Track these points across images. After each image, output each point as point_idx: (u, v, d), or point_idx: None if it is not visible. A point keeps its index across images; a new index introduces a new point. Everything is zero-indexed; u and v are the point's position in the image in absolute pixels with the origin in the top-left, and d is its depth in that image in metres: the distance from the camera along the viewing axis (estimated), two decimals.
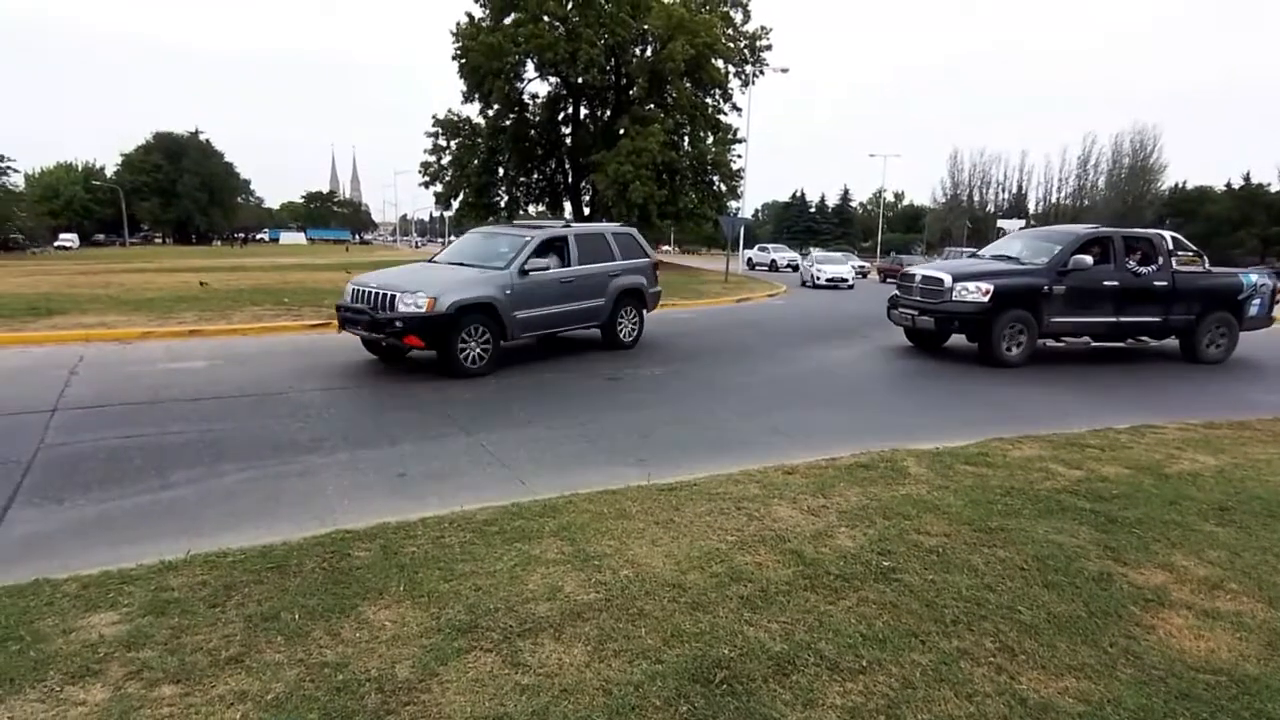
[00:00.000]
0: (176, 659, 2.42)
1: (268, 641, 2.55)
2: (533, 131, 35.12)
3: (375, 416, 6.19)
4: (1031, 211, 64.20)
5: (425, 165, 34.50)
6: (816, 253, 36.35)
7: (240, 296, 14.49)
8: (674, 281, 23.01)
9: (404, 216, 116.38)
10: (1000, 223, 46.91)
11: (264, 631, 2.61)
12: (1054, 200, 66.42)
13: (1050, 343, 10.00)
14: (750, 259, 40.55)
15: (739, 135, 34.44)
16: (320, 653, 2.49)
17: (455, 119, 34.14)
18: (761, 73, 33.83)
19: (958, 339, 10.26)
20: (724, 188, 34.29)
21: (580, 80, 31.42)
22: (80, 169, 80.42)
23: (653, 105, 31.88)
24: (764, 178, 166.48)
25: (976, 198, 70.10)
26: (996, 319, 9.08)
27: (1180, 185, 61.89)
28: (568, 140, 35.83)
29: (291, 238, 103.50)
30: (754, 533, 3.64)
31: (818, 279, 26.35)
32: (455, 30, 32.51)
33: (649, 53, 31.72)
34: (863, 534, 3.65)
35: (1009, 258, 10.10)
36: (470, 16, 32.55)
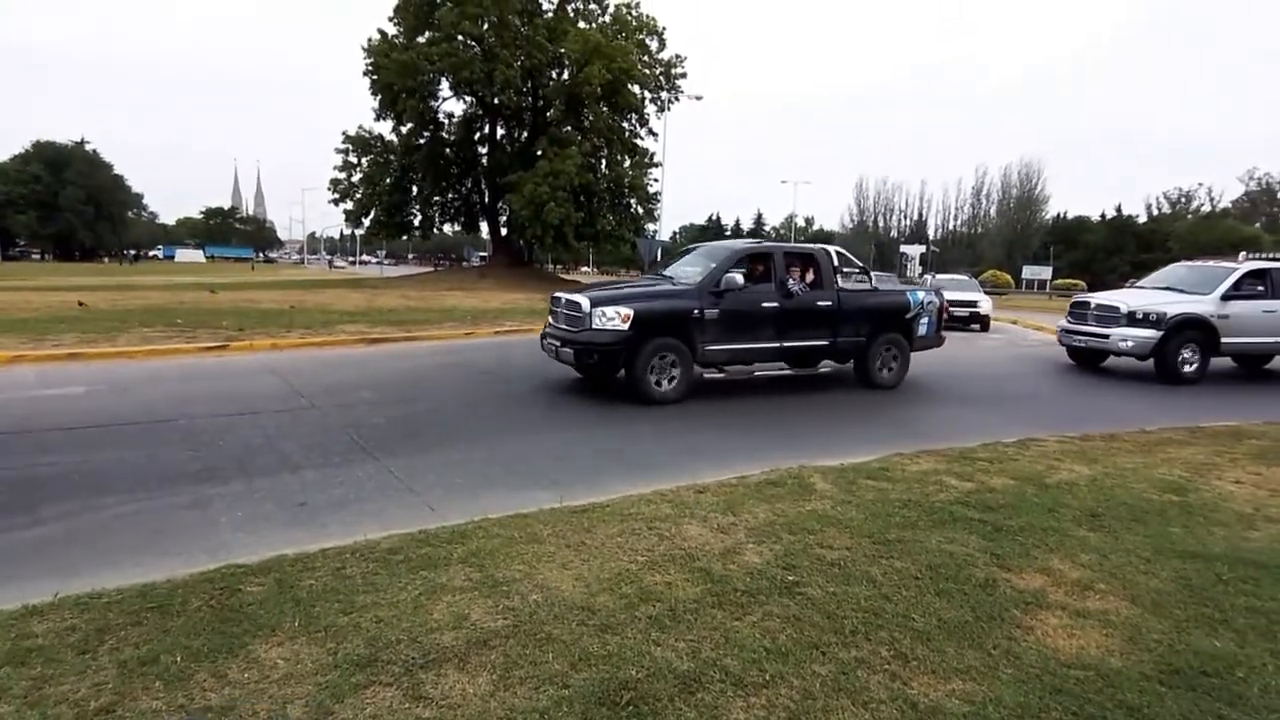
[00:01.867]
0: (37, 713, 2.23)
1: (144, 688, 2.38)
2: (448, 150, 34.71)
3: (274, 443, 5.91)
4: (931, 238, 67.92)
5: (335, 182, 33.54)
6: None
7: (128, 317, 13.59)
8: None
9: (312, 234, 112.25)
10: (903, 248, 49.45)
11: (140, 677, 2.44)
12: (951, 227, 70.52)
13: (710, 373, 9.03)
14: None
15: (655, 159, 35.09)
16: (204, 696, 2.34)
17: (367, 136, 33.39)
18: (677, 99, 34.64)
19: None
20: (641, 210, 34.78)
21: (497, 100, 31.31)
22: None
23: (570, 128, 32.08)
24: (680, 201, 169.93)
25: (881, 224, 73.61)
26: (640, 349, 7.74)
27: (1062, 215, 67.00)
28: (484, 160, 35.55)
29: (189, 255, 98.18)
30: (664, 552, 3.67)
31: None
32: (367, 46, 31.87)
33: (566, 76, 31.94)
34: (769, 550, 3.74)
35: (665, 277, 9.25)
36: (383, 33, 31.98)
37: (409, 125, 32.66)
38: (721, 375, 9.01)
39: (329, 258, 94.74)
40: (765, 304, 8.50)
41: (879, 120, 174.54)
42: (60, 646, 2.61)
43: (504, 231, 36.51)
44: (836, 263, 9.33)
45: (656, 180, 35.11)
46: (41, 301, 16.85)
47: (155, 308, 15.80)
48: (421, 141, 33.38)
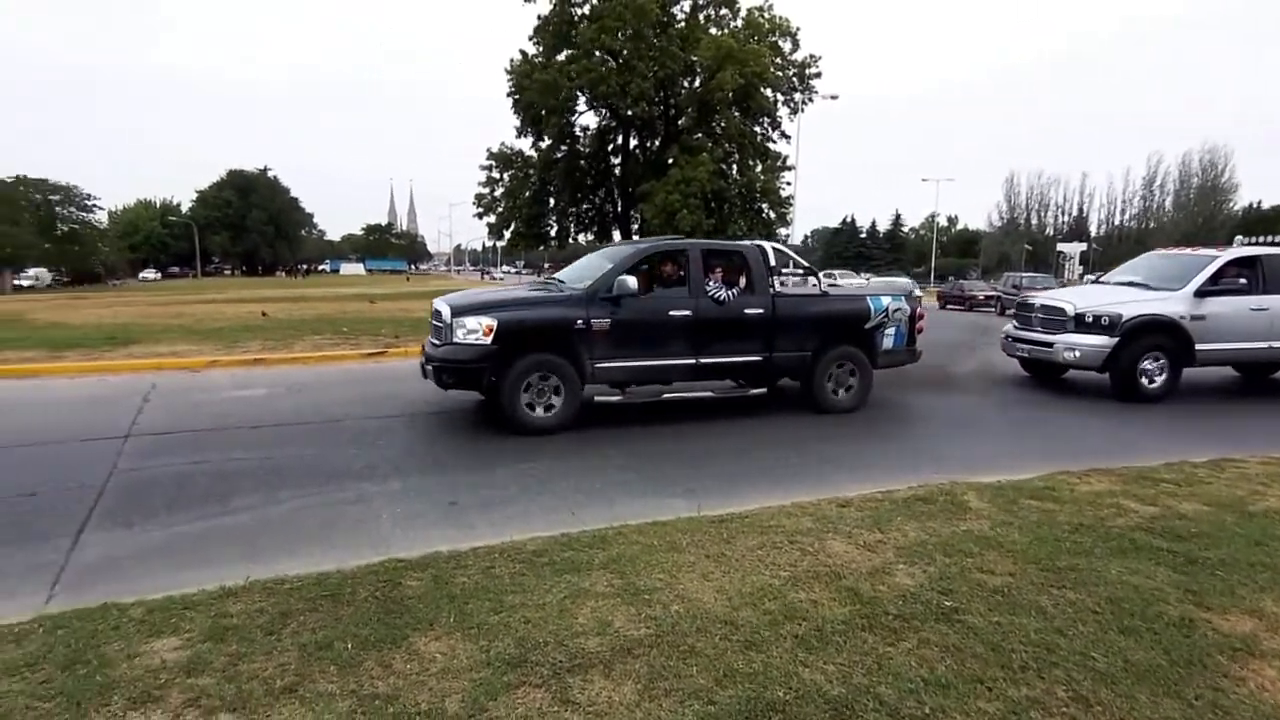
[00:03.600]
0: (234, 687, 2.46)
1: (321, 671, 2.57)
2: (583, 162, 35.79)
3: (426, 444, 6.29)
4: (1094, 234, 62.23)
5: (479, 197, 35.43)
6: (874, 280, 34.87)
7: (302, 326, 15.03)
8: None
9: (458, 247, 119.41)
10: (1061, 246, 45.58)
11: (318, 661, 2.64)
12: (1117, 222, 64.32)
13: (601, 396, 7.23)
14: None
15: (788, 163, 34.48)
16: (372, 684, 2.50)
17: (509, 152, 35.06)
18: (810, 100, 33.90)
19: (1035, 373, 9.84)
20: (773, 215, 34.25)
21: (630, 112, 31.94)
22: (158, 206, 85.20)
23: (701, 135, 32.17)
24: (813, 204, 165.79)
25: (1035, 221, 68.38)
26: (508, 368, 6.49)
27: (1255, 205, 59.30)
28: (617, 171, 36.37)
29: (351, 268, 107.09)
30: (808, 568, 3.54)
31: None
32: (509, 68, 33.49)
33: (698, 83, 32.09)
34: (922, 572, 3.51)
35: (558, 281, 8.00)
36: (524, 54, 33.50)
37: (548, 140, 33.99)
38: (619, 399, 7.25)
39: (486, 268, 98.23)
40: (675, 312, 7.03)
41: (1030, 108, 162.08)
42: (251, 627, 2.88)
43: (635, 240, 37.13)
44: (774, 262, 7.63)
45: (789, 183, 34.53)
46: (232, 312, 19.01)
47: (324, 317, 17.38)
48: (559, 156, 34.63)
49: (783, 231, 34.85)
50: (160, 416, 7.05)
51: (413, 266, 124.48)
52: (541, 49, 33.13)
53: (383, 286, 46.52)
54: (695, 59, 30.69)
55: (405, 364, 10.99)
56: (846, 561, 3.63)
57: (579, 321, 6.68)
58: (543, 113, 31.74)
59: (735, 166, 33.44)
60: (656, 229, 30.33)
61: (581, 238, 41.77)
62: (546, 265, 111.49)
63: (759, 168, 33.55)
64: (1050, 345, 9.02)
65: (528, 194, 35.01)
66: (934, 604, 3.16)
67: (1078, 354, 8.75)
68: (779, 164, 34.31)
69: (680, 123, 33.14)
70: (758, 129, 33.69)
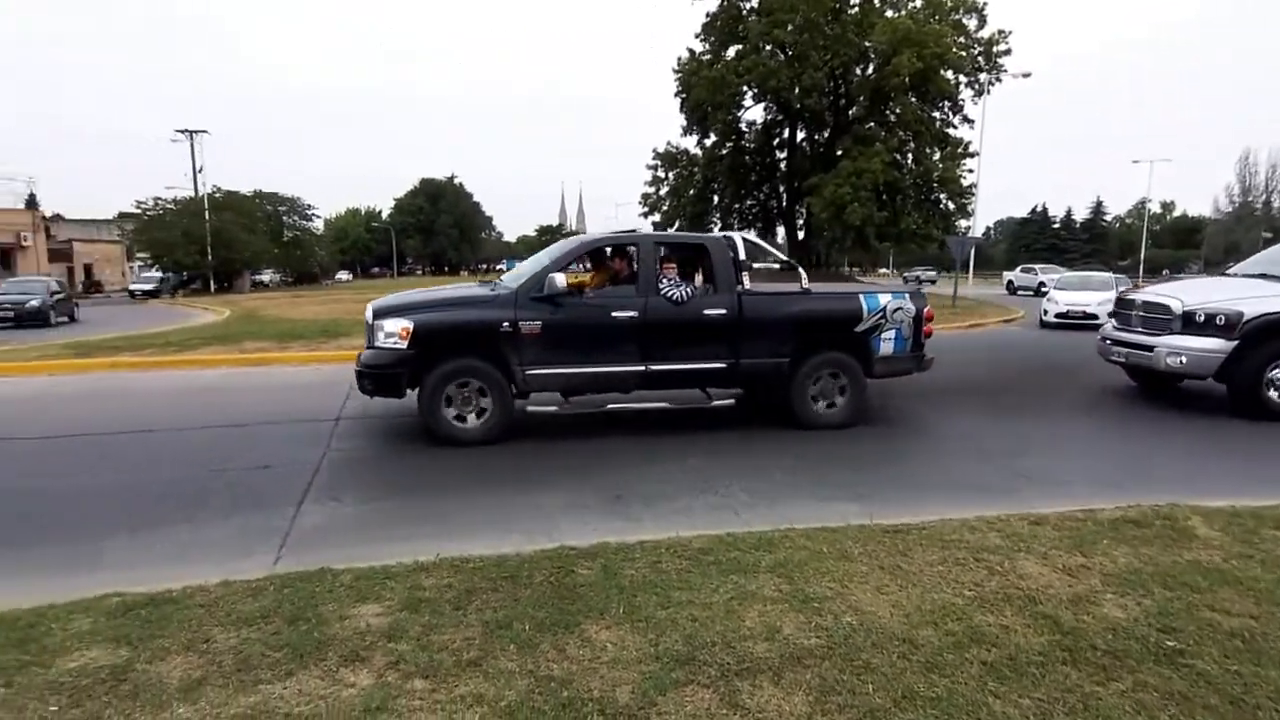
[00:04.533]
0: (426, 655, 2.67)
1: (502, 649, 2.72)
2: (747, 158, 35.43)
3: (585, 439, 6.50)
4: None
5: (645, 196, 36.17)
6: (1065, 275, 30.62)
7: None
8: None
9: None
10: None
11: (499, 638, 2.80)
12: None
13: (535, 406, 6.54)
14: (1012, 282, 37.14)
15: (970, 149, 31.98)
16: (548, 666, 2.60)
17: (674, 151, 35.48)
18: (998, 80, 31.21)
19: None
20: (952, 206, 31.96)
21: (799, 105, 31.13)
22: (363, 213, 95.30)
23: (874, 124, 30.69)
24: (998, 192, 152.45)
25: (1277, 204, 58.62)
26: (426, 373, 6.06)
27: None
28: (782, 165, 35.66)
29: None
30: (997, 589, 3.25)
31: (1047, 314, 17.89)
32: (676, 67, 33.84)
33: (871, 70, 30.66)
34: (1136, 604, 3.11)
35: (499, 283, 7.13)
36: (691, 52, 33.71)
37: (713, 138, 34.00)
38: (555, 410, 6.59)
39: None
40: (618, 313, 6.29)
41: (1271, 67, 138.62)
42: (441, 601, 3.11)
43: (801, 235, 36.24)
44: (742, 255, 6.70)
45: (970, 171, 32.00)
46: None
47: None
48: (723, 152, 34.52)
49: (963, 224, 32.46)
50: (362, 402, 7.85)
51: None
52: (709, 46, 33.15)
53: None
54: (870, 44, 29.30)
55: None
56: (1042, 585, 3.29)
57: (505, 324, 6.08)
58: (709, 109, 31.74)
59: (910, 156, 31.58)
60: (824, 223, 29.41)
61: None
62: None
63: (937, 156, 31.41)
64: (1150, 349, 7.64)
65: (692, 192, 35.23)
66: (1153, 642, 2.78)
67: (1183, 360, 7.32)
68: (959, 151, 31.92)
69: (851, 113, 31.82)
70: (936, 115, 31.53)
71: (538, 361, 6.19)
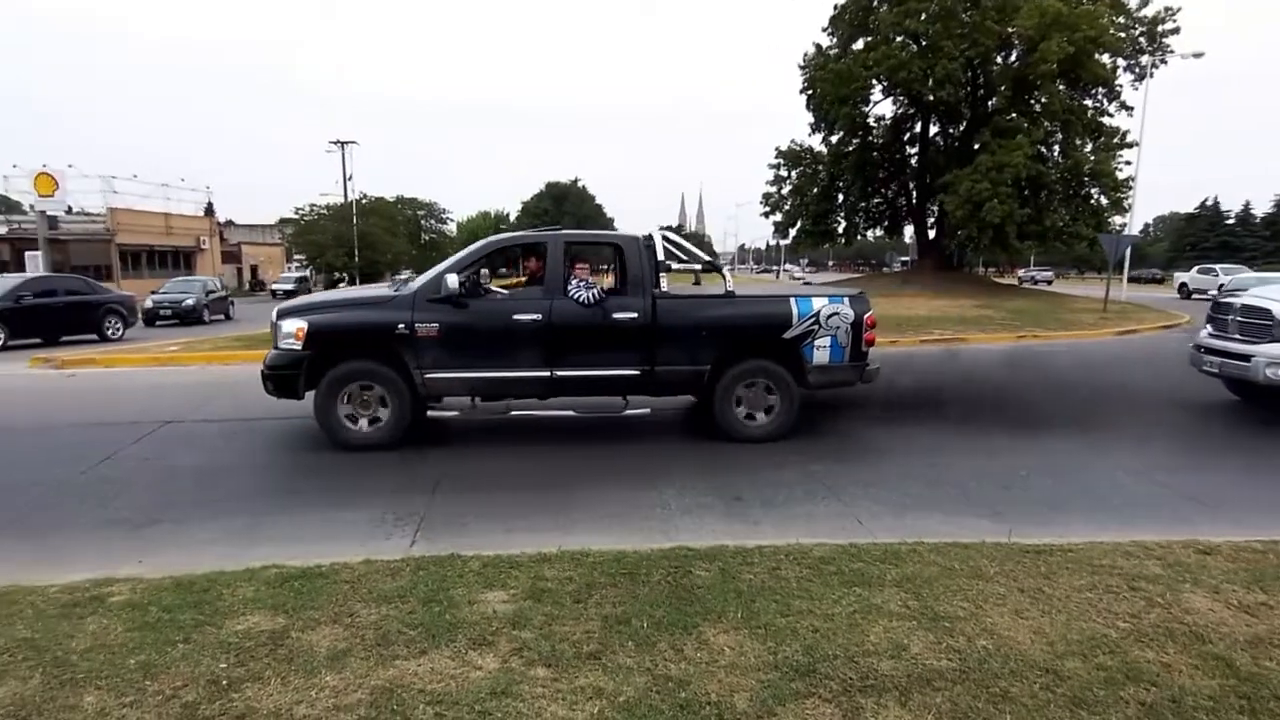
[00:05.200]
0: (548, 645, 2.75)
1: (620, 645, 2.76)
2: (875, 154, 34.08)
3: (706, 439, 6.48)
4: None
5: (766, 196, 35.55)
6: (1242, 275, 26.98)
7: None
8: (1035, 309, 20.49)
9: (742, 246, 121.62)
10: None
11: (617, 634, 2.83)
12: None
13: (435, 411, 6.36)
14: (1185, 284, 33.68)
15: (1128, 139, 29.22)
16: (665, 665, 2.61)
17: (797, 149, 34.68)
18: (1163, 62, 28.34)
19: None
20: (1104, 201, 29.32)
21: (931, 97, 29.60)
22: (492, 216, 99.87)
23: (1015, 115, 28.66)
24: (1160, 185, 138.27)
25: None
26: (320, 375, 5.94)
27: None
28: (913, 161, 34.07)
29: None
30: (1157, 623, 2.95)
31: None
32: (802, 63, 33.12)
33: (1014, 58, 28.69)
34: None
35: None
36: (817, 46, 32.88)
37: (839, 135, 32.98)
38: (456, 414, 6.45)
39: (787, 267, 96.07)
40: (521, 316, 6.05)
41: None
42: (562, 592, 3.20)
43: (932, 234, 34.50)
44: (660, 255, 6.33)
45: (1128, 163, 29.23)
46: None
47: None
48: (849, 149, 33.40)
49: (1117, 220, 29.67)
50: None
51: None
52: (836, 39, 32.21)
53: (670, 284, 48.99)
54: (1013, 30, 27.39)
55: None
56: (1213, 623, 2.95)
57: (401, 326, 5.93)
58: (835, 104, 30.81)
59: (1057, 148, 29.28)
60: (959, 221, 27.82)
61: (870, 234, 39.95)
62: (830, 263, 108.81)
63: (1088, 147, 28.94)
64: (1248, 359, 6.84)
65: (815, 190, 34.29)
66: None
67: None
68: (1115, 141, 29.24)
69: (991, 103, 29.87)
70: (1088, 102, 29.09)
71: (437, 365, 6.02)
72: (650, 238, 6.52)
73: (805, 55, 33.03)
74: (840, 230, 36.43)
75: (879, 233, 42.48)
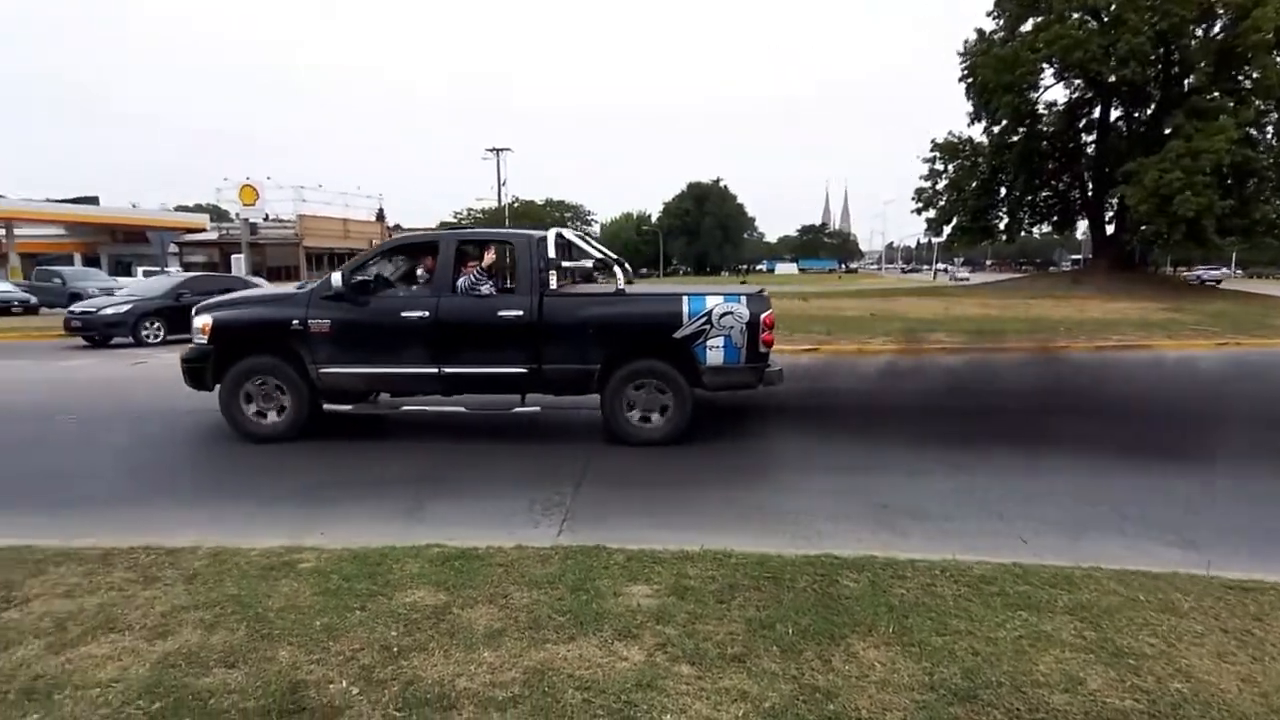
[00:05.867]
0: (692, 643, 2.75)
1: (765, 649, 2.71)
2: (1044, 144, 31.41)
3: (857, 440, 6.24)
4: None
5: (919, 191, 33.71)
6: None
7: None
8: (1233, 313, 18.17)
9: (890, 244, 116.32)
10: None
11: (761, 638, 2.79)
12: None
13: (331, 405, 6.35)
14: None
15: None
16: (812, 675, 2.54)
17: (955, 141, 32.66)
18: None
19: None
20: None
21: (1113, 78, 26.83)
22: (634, 217, 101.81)
23: (1217, 94, 25.38)
24: None
25: None
26: (227, 370, 6.19)
27: None
28: (1089, 150, 31.08)
29: (785, 268, 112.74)
30: None
31: None
32: (963, 50, 31.19)
33: (1217, 29, 25.42)
34: None
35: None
36: (980, 32, 30.83)
37: (1001, 124, 30.70)
38: (350, 409, 6.39)
39: (946, 267, 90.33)
40: (408, 313, 6.11)
41: None
42: (704, 591, 3.19)
43: (1110, 229, 31.32)
44: (551, 253, 6.15)
45: None
46: None
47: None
48: (1014, 139, 31.00)
49: None
50: None
51: (842, 265, 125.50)
52: (1002, 22, 30.02)
53: (815, 285, 47.86)
54: None
55: (836, 360, 11.18)
56: None
57: (295, 322, 6.14)
58: (997, 92, 28.68)
59: (1270, 129, 25.65)
60: (1145, 215, 25.05)
61: (1036, 230, 36.87)
62: (989, 262, 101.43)
63: None
64: None
65: (974, 184, 32.12)
66: None
67: None
68: None
69: (1186, 82, 26.64)
70: None
71: (331, 360, 6.18)
72: (544, 235, 6.43)
73: (966, 42, 31.16)
74: (1002, 226, 33.94)
75: (1046, 229, 39.22)
